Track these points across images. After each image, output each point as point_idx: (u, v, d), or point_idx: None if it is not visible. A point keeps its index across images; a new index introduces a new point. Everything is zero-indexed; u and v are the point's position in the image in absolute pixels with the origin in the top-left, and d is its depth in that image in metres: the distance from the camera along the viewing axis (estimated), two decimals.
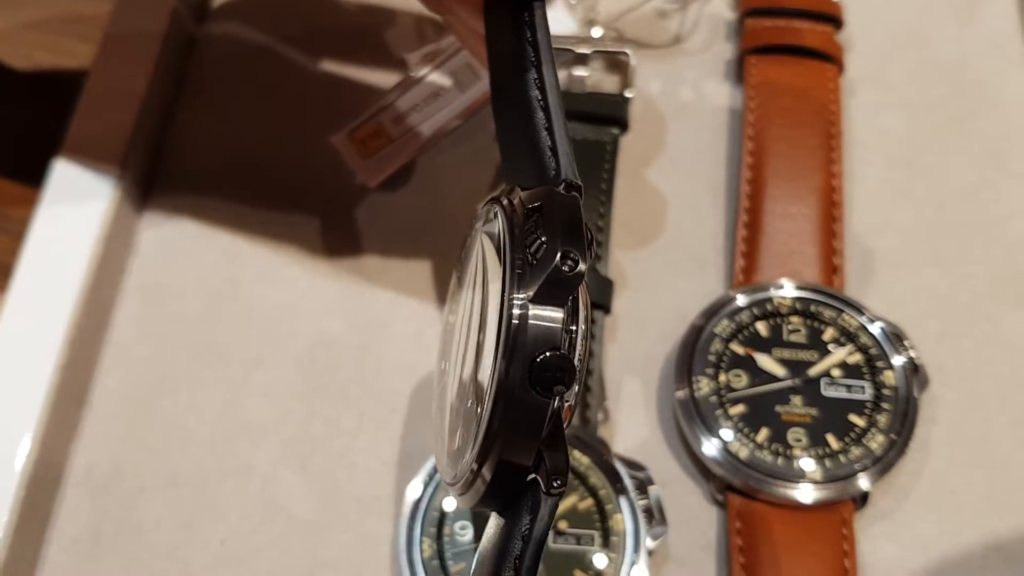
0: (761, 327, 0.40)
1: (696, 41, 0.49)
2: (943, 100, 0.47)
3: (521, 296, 0.23)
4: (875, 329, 0.39)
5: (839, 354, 0.39)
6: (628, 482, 0.37)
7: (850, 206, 0.44)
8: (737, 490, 0.38)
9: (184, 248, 0.44)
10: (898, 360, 0.39)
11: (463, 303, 0.29)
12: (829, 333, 0.39)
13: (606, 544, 0.36)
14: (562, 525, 0.36)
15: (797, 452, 0.37)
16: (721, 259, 0.43)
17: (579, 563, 0.36)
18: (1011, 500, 0.38)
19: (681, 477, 0.39)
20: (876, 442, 0.37)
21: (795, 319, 0.40)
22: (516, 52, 0.29)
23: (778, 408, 0.38)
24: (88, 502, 0.39)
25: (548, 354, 0.23)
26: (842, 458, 0.37)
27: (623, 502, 0.36)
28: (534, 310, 0.23)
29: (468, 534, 0.36)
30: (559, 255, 0.23)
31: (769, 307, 0.40)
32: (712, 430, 0.38)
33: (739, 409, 0.38)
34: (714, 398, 0.38)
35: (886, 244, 0.43)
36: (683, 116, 0.47)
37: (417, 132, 0.43)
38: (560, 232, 0.24)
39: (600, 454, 0.37)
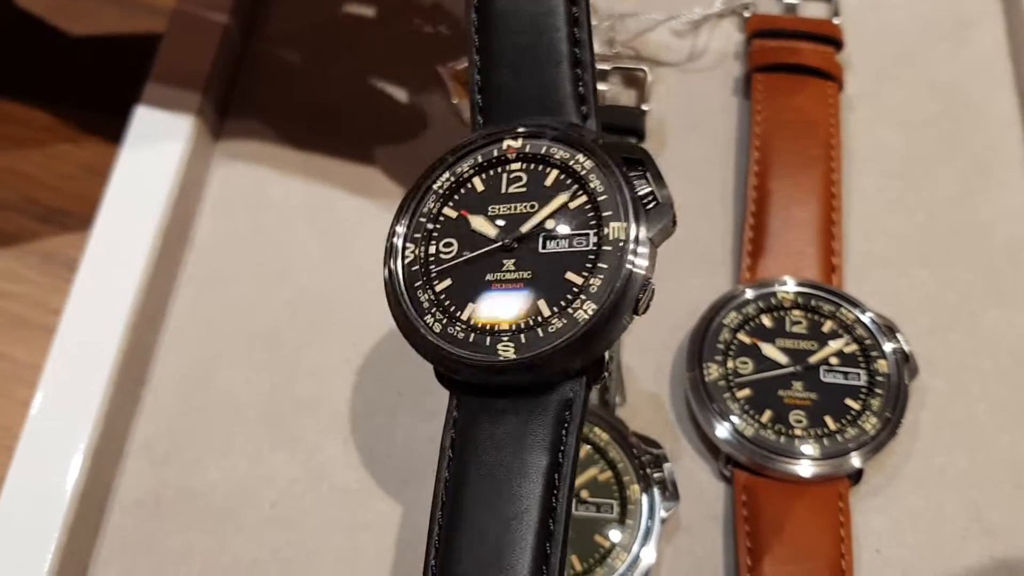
0: (766, 319, 0.43)
1: (707, 60, 0.52)
2: (934, 117, 0.50)
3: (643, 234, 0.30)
4: (869, 322, 0.43)
5: (837, 344, 0.42)
6: (644, 457, 0.40)
7: (848, 212, 0.47)
8: (743, 466, 0.41)
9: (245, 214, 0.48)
10: (890, 350, 0.42)
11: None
12: (828, 325, 0.43)
13: (623, 513, 0.39)
14: (584, 494, 0.40)
15: (798, 432, 0.41)
16: (729, 258, 0.47)
17: (599, 529, 0.39)
18: (991, 477, 0.41)
19: (692, 455, 0.42)
20: (870, 424, 0.41)
21: (797, 312, 0.43)
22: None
23: (781, 392, 0.42)
24: (149, 470, 0.43)
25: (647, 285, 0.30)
26: (839, 438, 0.40)
27: (639, 475, 0.40)
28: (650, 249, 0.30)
29: None
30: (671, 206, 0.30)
31: (773, 301, 0.43)
32: (721, 411, 0.41)
33: (745, 393, 0.42)
34: (722, 383, 0.42)
35: (880, 247, 0.47)
36: (695, 128, 0.50)
37: None
38: (665, 186, 0.31)
39: (619, 431, 0.41)
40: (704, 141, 0.50)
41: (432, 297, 0.31)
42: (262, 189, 0.49)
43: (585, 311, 0.29)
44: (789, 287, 0.44)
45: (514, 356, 0.29)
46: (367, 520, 0.41)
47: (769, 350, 0.42)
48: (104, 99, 0.54)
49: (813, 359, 0.42)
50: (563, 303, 0.30)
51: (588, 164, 0.31)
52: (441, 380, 0.32)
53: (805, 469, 0.40)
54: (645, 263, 0.30)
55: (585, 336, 0.29)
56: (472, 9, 0.34)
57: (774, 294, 0.43)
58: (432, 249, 0.32)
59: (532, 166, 0.32)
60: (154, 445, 0.43)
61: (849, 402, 0.41)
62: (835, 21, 0.52)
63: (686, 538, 0.41)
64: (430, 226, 0.32)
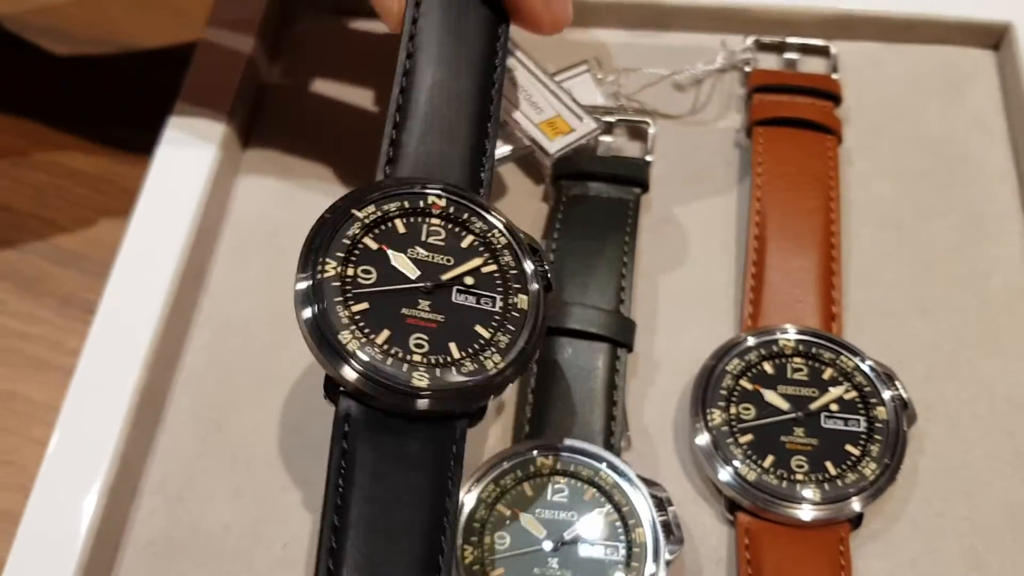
0: (767, 366, 0.44)
1: (709, 113, 0.54)
2: (930, 170, 0.52)
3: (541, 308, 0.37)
4: (868, 370, 0.44)
5: (837, 391, 0.43)
6: (649, 500, 0.41)
7: (846, 262, 0.48)
8: (746, 510, 0.42)
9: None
10: (889, 397, 0.43)
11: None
12: (828, 373, 0.44)
13: (629, 555, 0.40)
14: (588, 537, 0.40)
15: (799, 477, 0.42)
16: (731, 307, 0.48)
17: (605, 571, 0.40)
18: (989, 523, 0.42)
19: (695, 498, 0.43)
20: (869, 469, 0.42)
21: (798, 359, 0.44)
22: (486, 55, 0.39)
23: (783, 438, 0.42)
24: (163, 509, 0.43)
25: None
26: (839, 483, 0.41)
27: (644, 518, 0.41)
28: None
29: (506, 543, 0.40)
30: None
31: (775, 348, 0.44)
32: (724, 456, 0.42)
33: (748, 438, 0.43)
34: (725, 428, 0.43)
35: (879, 296, 0.48)
36: (697, 179, 0.52)
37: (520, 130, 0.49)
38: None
39: (624, 474, 0.42)
40: (706, 192, 0.51)
41: (349, 315, 0.34)
42: (275, 236, 0.50)
43: (494, 361, 0.34)
44: (790, 335, 0.45)
45: (426, 386, 0.33)
46: None
47: (771, 396, 0.43)
48: (124, 147, 0.56)
49: (814, 405, 0.43)
50: (471, 350, 0.35)
51: (503, 240, 0.37)
52: (329, 391, 0.34)
53: (806, 513, 0.41)
54: (542, 329, 0.36)
55: (490, 382, 0.34)
56: (402, 77, 0.39)
57: (776, 341, 0.45)
58: (351, 271, 0.35)
59: (452, 226, 0.37)
60: (168, 485, 0.44)
61: (849, 448, 0.42)
62: (834, 76, 0.54)
63: None
64: (352, 249, 0.35)
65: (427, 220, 0.37)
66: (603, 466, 0.41)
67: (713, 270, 0.49)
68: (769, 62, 0.55)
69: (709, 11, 0.55)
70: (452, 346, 0.34)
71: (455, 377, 0.34)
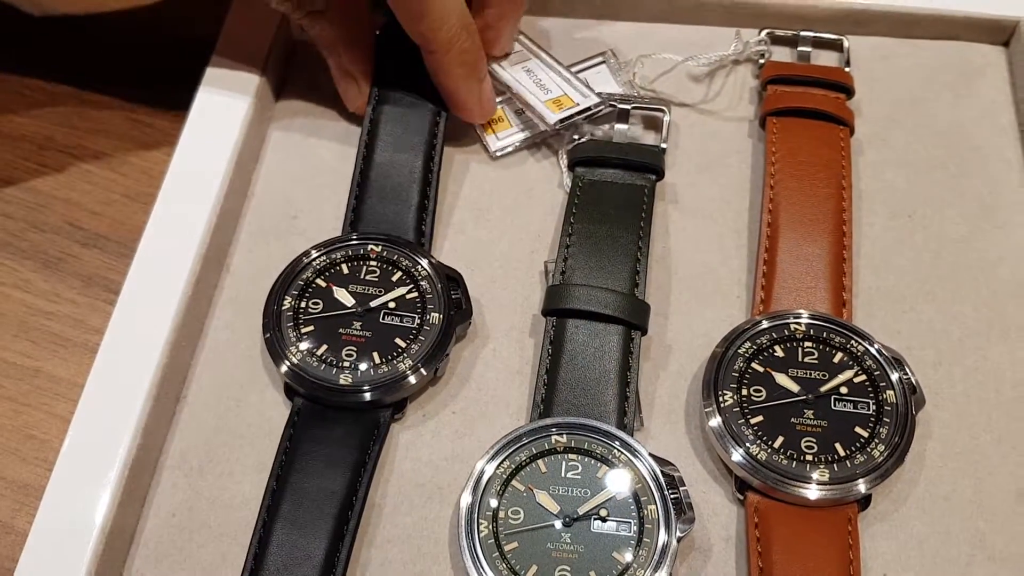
0: (779, 349, 0.45)
1: (723, 102, 0.55)
2: (940, 161, 0.52)
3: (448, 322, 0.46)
4: (878, 354, 0.44)
5: (847, 374, 0.44)
6: (661, 479, 0.42)
7: (857, 250, 0.49)
8: (755, 490, 0.42)
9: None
10: (897, 381, 0.44)
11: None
12: (838, 357, 0.45)
13: (641, 532, 0.41)
14: (603, 513, 0.41)
15: (809, 457, 0.42)
16: (743, 292, 0.49)
17: (617, 547, 0.40)
18: (995, 506, 0.43)
19: (706, 478, 0.44)
20: (878, 451, 0.42)
21: (809, 344, 0.45)
22: (428, 139, 0.51)
23: (793, 419, 0.43)
24: (184, 483, 0.44)
25: None
26: (848, 464, 0.42)
27: (657, 496, 0.41)
28: None
29: (520, 517, 0.41)
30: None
31: (787, 332, 0.45)
32: (735, 437, 0.43)
33: (758, 419, 0.43)
34: (736, 409, 0.43)
35: (889, 283, 0.49)
36: (711, 166, 0.53)
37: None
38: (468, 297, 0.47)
39: (636, 453, 0.42)
40: (719, 179, 0.52)
41: (298, 335, 0.45)
42: (295, 219, 0.51)
43: (405, 364, 0.44)
44: (802, 320, 0.45)
45: (350, 383, 0.44)
46: (392, 535, 0.43)
47: (782, 379, 0.44)
48: (147, 131, 0.57)
49: (824, 388, 0.44)
50: (389, 357, 0.44)
51: (424, 272, 0.47)
52: (288, 392, 0.45)
53: (815, 493, 0.41)
54: (451, 341, 0.45)
55: (402, 381, 0.44)
56: (362, 158, 0.50)
57: (787, 325, 0.45)
58: (303, 304, 0.46)
59: (385, 265, 0.47)
60: (189, 458, 0.45)
61: (858, 430, 0.43)
62: (846, 70, 0.54)
63: (700, 558, 0.42)
64: (304, 287, 0.46)
65: (365, 262, 0.47)
66: (616, 444, 0.42)
67: (726, 256, 0.50)
68: (782, 55, 0.56)
69: (725, 5, 0.56)
70: (375, 354, 0.45)
71: (372, 376, 0.44)
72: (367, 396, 0.43)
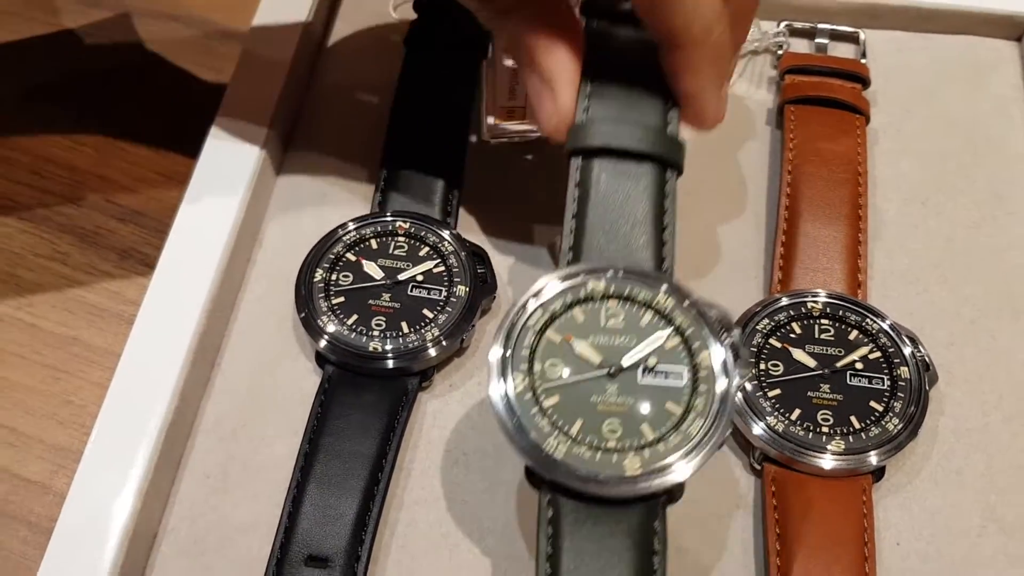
0: (796, 326, 0.46)
1: (741, 89, 0.56)
2: (953, 150, 0.54)
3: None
4: (892, 332, 0.46)
5: (862, 351, 0.45)
6: (713, 322, 0.37)
7: (872, 233, 0.50)
8: (773, 460, 0.44)
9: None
10: (911, 358, 0.45)
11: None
12: (854, 334, 0.46)
13: (695, 380, 0.36)
14: (651, 362, 0.37)
15: (825, 429, 0.43)
16: (761, 273, 0.50)
17: (670, 396, 0.36)
18: (1006, 480, 0.44)
19: (725, 450, 0.45)
20: (892, 424, 0.43)
21: (825, 321, 0.46)
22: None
23: (809, 393, 0.44)
24: (218, 446, 0.46)
25: None
26: (863, 435, 0.43)
27: (711, 340, 0.37)
28: None
29: (559, 370, 0.37)
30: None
31: (804, 310, 0.46)
32: (754, 409, 0.44)
33: (776, 392, 0.45)
34: (755, 382, 0.45)
35: (903, 266, 0.50)
36: (730, 152, 0.54)
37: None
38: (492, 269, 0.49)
39: (684, 297, 0.38)
40: (738, 164, 0.54)
41: (329, 305, 0.46)
42: (324, 196, 0.53)
43: (432, 333, 0.46)
44: (819, 298, 0.47)
45: (380, 349, 0.45)
46: (420, 496, 0.44)
47: (799, 355, 0.45)
48: (184, 117, 0.58)
49: (840, 364, 0.45)
50: (418, 326, 0.46)
51: (450, 248, 0.48)
52: (319, 360, 0.47)
53: (831, 463, 0.43)
54: (476, 313, 0.47)
55: (429, 349, 0.45)
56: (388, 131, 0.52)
57: (805, 303, 0.47)
58: (334, 276, 0.47)
59: (412, 241, 0.49)
60: (223, 423, 0.46)
61: (873, 404, 0.44)
62: (862, 61, 0.56)
63: (718, 524, 0.43)
64: (335, 260, 0.48)
65: (394, 238, 0.49)
66: (661, 288, 0.38)
67: (743, 237, 0.51)
68: (800, 46, 0.58)
69: None
70: (403, 324, 0.46)
71: (401, 344, 0.45)
72: (395, 363, 0.45)
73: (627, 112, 0.40)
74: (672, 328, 0.37)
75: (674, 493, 0.36)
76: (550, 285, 0.38)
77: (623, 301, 0.38)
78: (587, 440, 0.35)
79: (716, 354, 0.37)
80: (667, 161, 0.40)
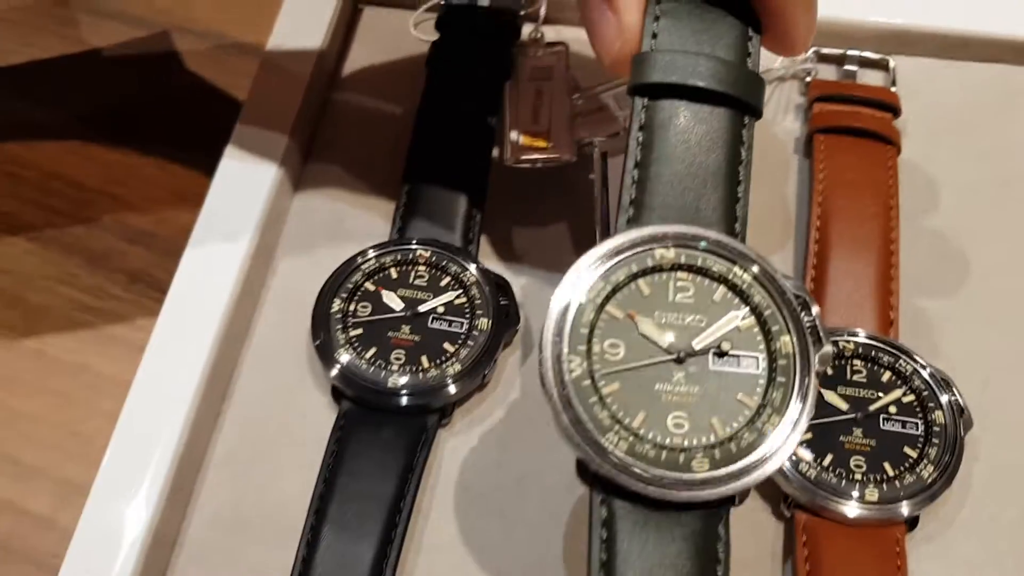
0: (828, 368, 0.45)
1: (768, 116, 0.55)
2: (987, 183, 0.52)
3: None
4: (926, 375, 0.44)
5: (895, 394, 0.44)
6: (795, 302, 0.33)
7: (904, 269, 0.49)
8: (804, 507, 0.42)
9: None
10: (946, 402, 0.44)
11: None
12: (887, 376, 0.45)
13: (772, 369, 0.32)
14: (724, 346, 0.33)
15: (858, 476, 0.42)
16: None
17: (743, 386, 0.32)
18: None
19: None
20: (926, 472, 0.42)
21: (857, 362, 0.45)
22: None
23: (842, 438, 0.43)
24: (229, 482, 0.44)
25: None
26: (896, 484, 0.42)
27: (791, 323, 0.33)
28: None
29: (620, 352, 0.32)
30: None
31: (837, 349, 0.45)
32: None
33: (807, 436, 0.43)
34: None
35: (936, 303, 0.49)
36: (758, 182, 0.52)
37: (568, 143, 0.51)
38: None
39: (764, 270, 0.33)
40: (765, 193, 0.52)
41: (347, 337, 0.45)
42: (341, 222, 0.51)
43: (453, 368, 0.44)
44: (850, 338, 0.45)
45: (401, 385, 0.43)
46: (439, 541, 0.43)
47: (831, 397, 0.44)
48: (197, 135, 0.57)
49: (873, 407, 0.44)
50: (438, 360, 0.44)
51: (472, 278, 0.46)
52: (335, 395, 0.45)
53: (863, 512, 0.41)
54: (499, 347, 0.45)
55: (450, 385, 0.44)
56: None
57: (836, 343, 0.45)
58: (352, 307, 0.46)
59: (433, 271, 0.47)
60: (235, 456, 0.45)
61: (907, 450, 0.43)
62: (892, 89, 0.55)
63: (746, 573, 0.42)
64: (353, 290, 0.46)
65: (414, 267, 0.47)
66: (741, 261, 0.33)
67: None
68: (828, 73, 0.56)
69: None
70: (423, 358, 0.44)
71: (421, 380, 0.44)
72: (415, 400, 0.44)
73: (702, 39, 0.35)
74: (748, 307, 0.33)
75: (741, 495, 0.32)
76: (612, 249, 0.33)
77: (695, 273, 0.33)
78: (650, 436, 0.31)
79: (797, 339, 0.32)
80: (746, 103, 0.36)
